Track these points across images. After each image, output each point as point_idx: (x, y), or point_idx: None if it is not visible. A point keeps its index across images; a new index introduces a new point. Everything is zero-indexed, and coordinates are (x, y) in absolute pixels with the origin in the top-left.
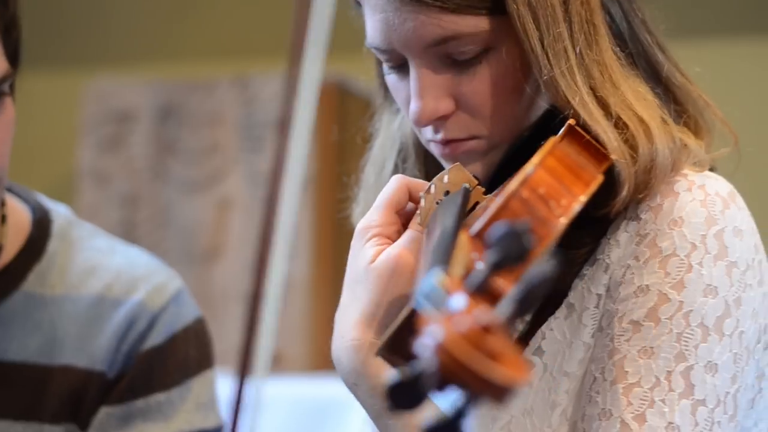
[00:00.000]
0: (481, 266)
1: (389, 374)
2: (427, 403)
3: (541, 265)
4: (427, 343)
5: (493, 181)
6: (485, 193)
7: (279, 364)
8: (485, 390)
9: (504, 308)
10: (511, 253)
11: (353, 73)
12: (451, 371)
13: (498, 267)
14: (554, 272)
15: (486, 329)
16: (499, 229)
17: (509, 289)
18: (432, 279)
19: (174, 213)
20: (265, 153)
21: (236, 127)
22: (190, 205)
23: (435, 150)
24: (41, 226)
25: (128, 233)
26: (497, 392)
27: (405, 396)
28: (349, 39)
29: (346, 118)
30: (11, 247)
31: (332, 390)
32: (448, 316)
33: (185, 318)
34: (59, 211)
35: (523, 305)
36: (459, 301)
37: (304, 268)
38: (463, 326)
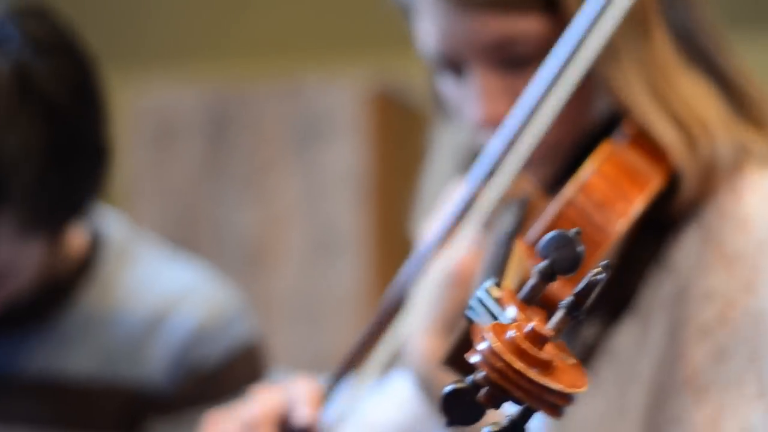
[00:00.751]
0: (531, 277)
1: (444, 387)
2: (485, 417)
3: (592, 272)
4: (478, 353)
5: (557, 183)
6: (547, 196)
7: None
8: (539, 402)
9: (557, 318)
10: (562, 262)
11: (411, 84)
12: (503, 383)
13: (549, 276)
14: (606, 279)
15: (537, 340)
16: (548, 238)
17: (562, 298)
18: (485, 289)
19: (228, 222)
20: (320, 160)
21: (291, 133)
22: (243, 214)
23: None
24: (98, 242)
25: (180, 246)
26: (551, 404)
27: (460, 409)
28: (406, 49)
29: (402, 130)
30: (68, 264)
31: None
32: (500, 327)
33: (241, 337)
34: (116, 225)
35: (575, 314)
36: (511, 312)
37: (363, 278)
38: (514, 337)
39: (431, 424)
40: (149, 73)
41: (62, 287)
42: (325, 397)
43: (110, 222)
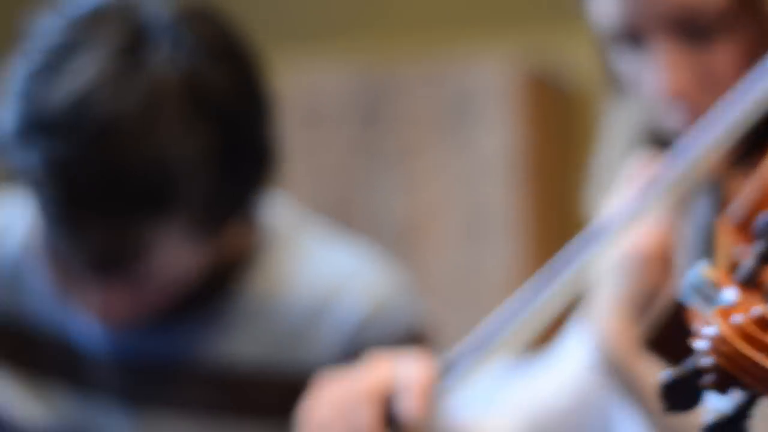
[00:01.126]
0: (748, 258)
1: (661, 373)
2: (702, 403)
3: None
4: (704, 339)
5: (741, 158)
6: (734, 172)
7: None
8: None
9: None
10: None
11: (564, 63)
12: (733, 368)
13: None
14: None
15: (764, 324)
16: (766, 219)
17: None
18: (699, 272)
19: (380, 206)
20: (473, 142)
21: (442, 115)
22: (396, 197)
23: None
24: (262, 229)
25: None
26: None
27: (680, 395)
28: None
29: (555, 110)
30: (234, 254)
31: None
32: (723, 310)
33: (410, 322)
34: (281, 209)
35: None
36: (730, 294)
37: (518, 261)
38: (740, 320)
39: (605, 406)
40: (296, 55)
41: (227, 275)
42: (442, 381)
43: (275, 207)
